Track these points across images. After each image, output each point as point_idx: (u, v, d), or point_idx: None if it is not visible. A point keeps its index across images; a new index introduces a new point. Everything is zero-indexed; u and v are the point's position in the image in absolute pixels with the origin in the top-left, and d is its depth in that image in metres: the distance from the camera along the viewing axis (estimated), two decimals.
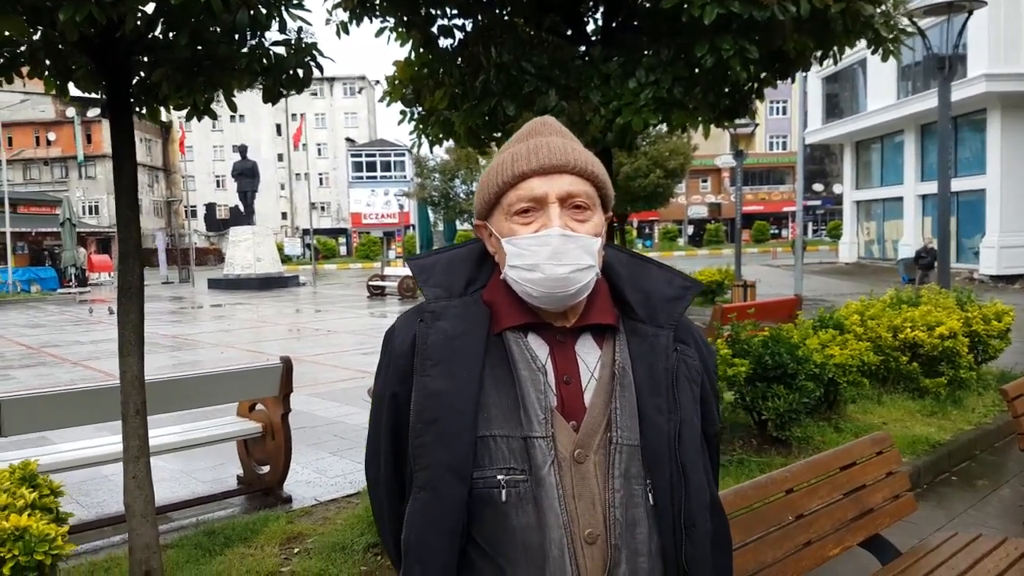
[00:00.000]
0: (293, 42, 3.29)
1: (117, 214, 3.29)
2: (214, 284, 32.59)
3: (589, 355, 1.36)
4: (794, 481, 3.06)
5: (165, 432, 5.26)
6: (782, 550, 2.85)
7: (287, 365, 5.36)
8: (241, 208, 35.23)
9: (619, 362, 1.35)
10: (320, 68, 3.41)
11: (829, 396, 6.61)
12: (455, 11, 5.02)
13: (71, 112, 54.90)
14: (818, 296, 19.68)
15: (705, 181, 65.85)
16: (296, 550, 4.27)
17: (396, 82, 5.24)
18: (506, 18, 5.06)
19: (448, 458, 1.26)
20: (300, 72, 3.39)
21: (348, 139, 70.15)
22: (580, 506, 1.26)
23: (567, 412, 1.31)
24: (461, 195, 30.43)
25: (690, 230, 65.82)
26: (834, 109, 34.82)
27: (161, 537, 4.35)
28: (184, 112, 3.61)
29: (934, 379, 7.41)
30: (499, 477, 1.26)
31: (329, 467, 6.19)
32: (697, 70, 4.23)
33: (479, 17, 5.04)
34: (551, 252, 1.29)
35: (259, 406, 5.58)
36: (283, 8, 2.97)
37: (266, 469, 5.58)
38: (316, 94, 69.89)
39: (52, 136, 61.97)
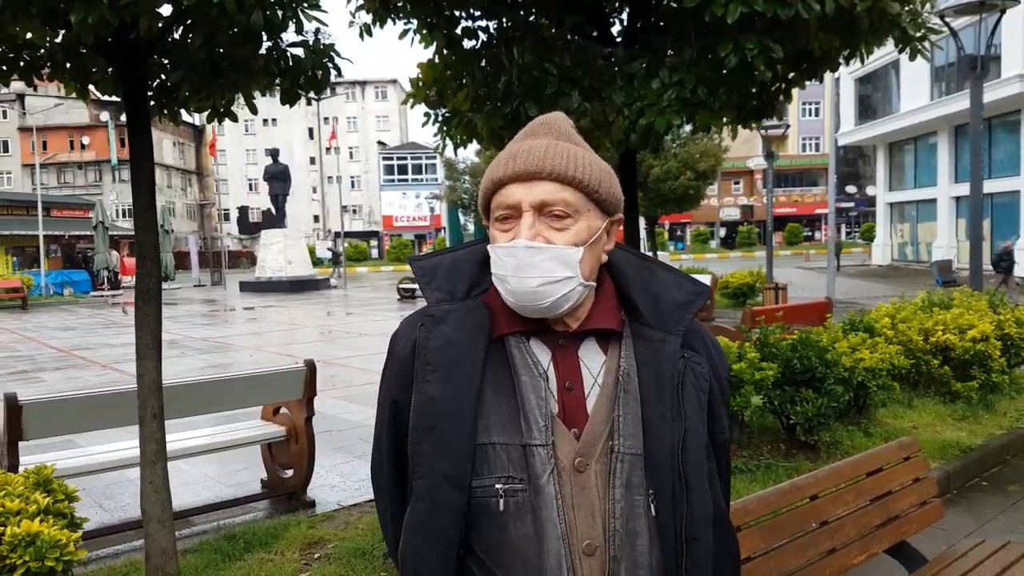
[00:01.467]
0: (311, 43, 3.29)
1: (135, 216, 3.30)
2: (246, 287, 32.96)
3: (593, 360, 1.32)
4: (818, 487, 3.01)
5: (189, 436, 5.29)
6: (805, 557, 2.81)
7: (311, 368, 5.36)
8: (273, 211, 35.61)
9: (624, 368, 1.30)
10: (338, 70, 3.41)
11: (859, 400, 6.53)
12: (478, 12, 5.00)
13: (105, 116, 55.97)
14: (850, 299, 19.39)
15: (737, 183, 65.34)
16: (316, 555, 4.25)
17: (420, 84, 5.23)
18: (530, 19, 5.03)
19: (446, 467, 1.24)
20: (318, 73, 3.38)
21: (380, 142, 70.70)
22: (579, 516, 1.23)
23: (568, 419, 1.27)
24: None
25: (722, 232, 65.27)
26: (867, 110, 34.36)
27: (182, 541, 4.39)
28: (206, 115, 3.64)
29: (966, 383, 7.30)
30: (497, 486, 1.23)
31: (354, 471, 6.19)
32: (722, 70, 4.16)
33: (503, 19, 5.02)
34: (516, 265, 1.25)
35: (283, 410, 5.59)
36: (299, 9, 2.97)
37: (290, 473, 5.58)
38: (348, 97, 70.60)
39: (86, 140, 63.21)
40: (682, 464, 1.26)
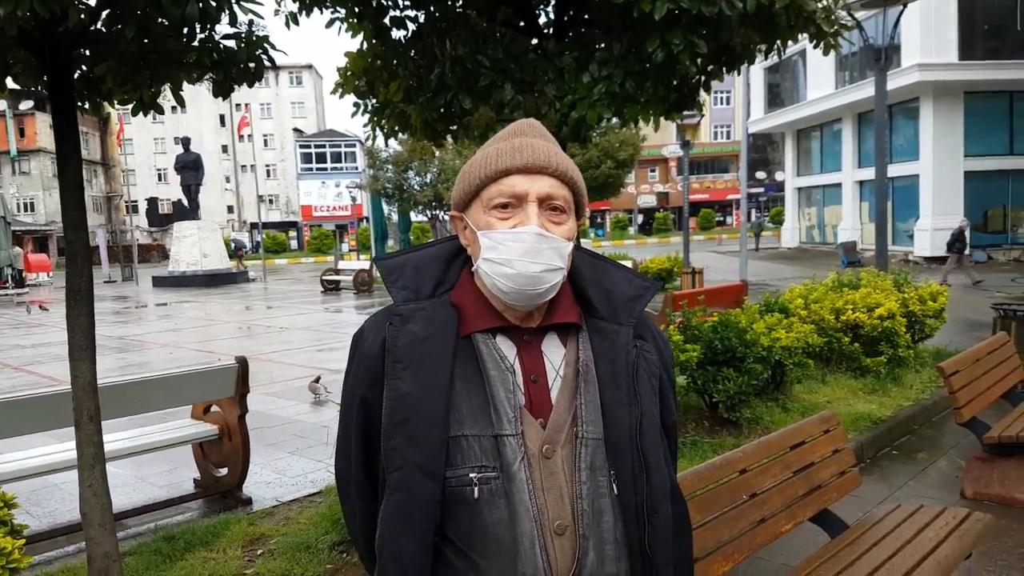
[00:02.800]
0: (244, 35, 3.25)
1: (63, 214, 3.20)
2: (159, 282, 31.74)
3: (554, 354, 1.40)
4: (747, 461, 3.17)
5: (117, 437, 5.12)
6: (738, 528, 2.96)
7: (243, 365, 5.27)
8: (185, 202, 34.44)
9: (583, 359, 1.40)
10: (272, 61, 3.38)
11: (776, 377, 6.84)
12: (407, 2, 5.00)
13: (1, 105, 52.88)
14: (762, 281, 20.13)
15: (654, 171, 66.63)
16: (259, 551, 4.22)
17: (348, 73, 5.18)
18: (459, 10, 5.06)
19: (420, 459, 1.29)
20: (252, 65, 3.35)
21: (296, 129, 69.01)
22: (549, 499, 1.31)
23: (535, 410, 1.35)
24: (415, 187, 30.23)
25: (640, 219, 66.57)
26: (776, 99, 35.55)
27: (119, 545, 4.28)
28: (129, 107, 3.55)
29: (874, 358, 7.73)
30: (472, 475, 1.29)
31: (288, 467, 6.13)
32: (648, 64, 4.29)
33: (431, 8, 5.03)
34: (525, 249, 1.33)
35: (214, 408, 5.50)
36: (233, 1, 2.93)
37: (224, 471, 5.49)
38: (261, 83, 68.52)
39: None
40: (640, 445, 1.36)
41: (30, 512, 5.19)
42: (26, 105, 54.27)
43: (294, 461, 6.28)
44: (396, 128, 5.10)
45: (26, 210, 59.54)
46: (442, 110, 4.55)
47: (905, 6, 10.78)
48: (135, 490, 5.73)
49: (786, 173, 37.05)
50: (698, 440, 5.80)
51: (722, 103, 66.83)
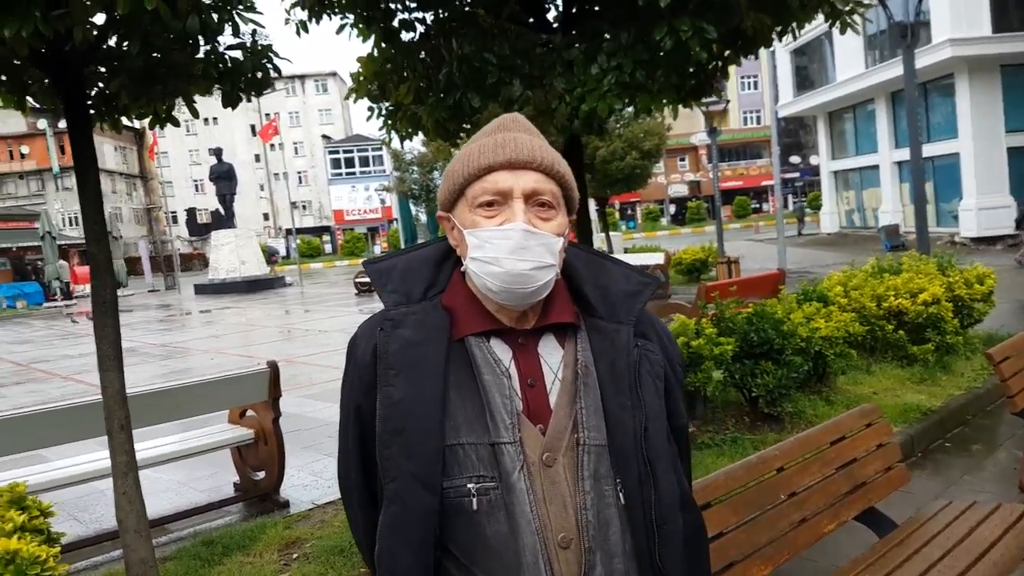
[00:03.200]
0: (248, 45, 3.24)
1: (85, 229, 3.25)
2: (200, 289, 32.40)
3: (552, 356, 1.35)
4: (784, 459, 3.02)
5: (157, 444, 5.24)
6: (776, 529, 2.82)
7: (274, 369, 5.32)
8: (221, 211, 34.98)
9: (582, 361, 1.34)
10: (278, 70, 3.39)
11: (818, 369, 6.59)
12: (414, 4, 4.97)
13: (43, 124, 54.15)
14: (802, 268, 19.78)
15: (683, 160, 65.93)
16: (295, 555, 4.26)
17: (361, 78, 5.20)
18: (466, 9, 5.01)
19: (415, 469, 1.25)
20: (258, 75, 3.35)
21: (324, 136, 69.72)
22: (552, 510, 1.25)
23: (533, 415, 1.29)
24: None
25: (672, 209, 65.88)
26: (804, 81, 34.87)
27: (160, 549, 4.36)
28: (147, 121, 3.57)
29: (921, 346, 7.37)
30: (469, 486, 1.25)
31: (325, 469, 6.16)
32: (659, 53, 4.20)
33: (439, 10, 4.99)
34: (513, 246, 1.27)
35: (250, 412, 5.54)
36: (234, 12, 2.92)
37: (262, 475, 5.56)
38: (288, 92, 69.40)
39: (25, 149, 61.09)
40: (646, 451, 1.30)
41: (78, 518, 5.34)
42: (65, 124, 55.55)
43: (330, 463, 6.30)
44: (409, 129, 5.08)
45: (71, 224, 60.94)
46: (452, 109, 4.52)
47: None
48: (178, 495, 5.83)
49: (821, 157, 36.34)
50: (739, 437, 5.64)
51: (750, 88, 65.95)
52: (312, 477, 5.96)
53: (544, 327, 1.35)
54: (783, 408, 5.91)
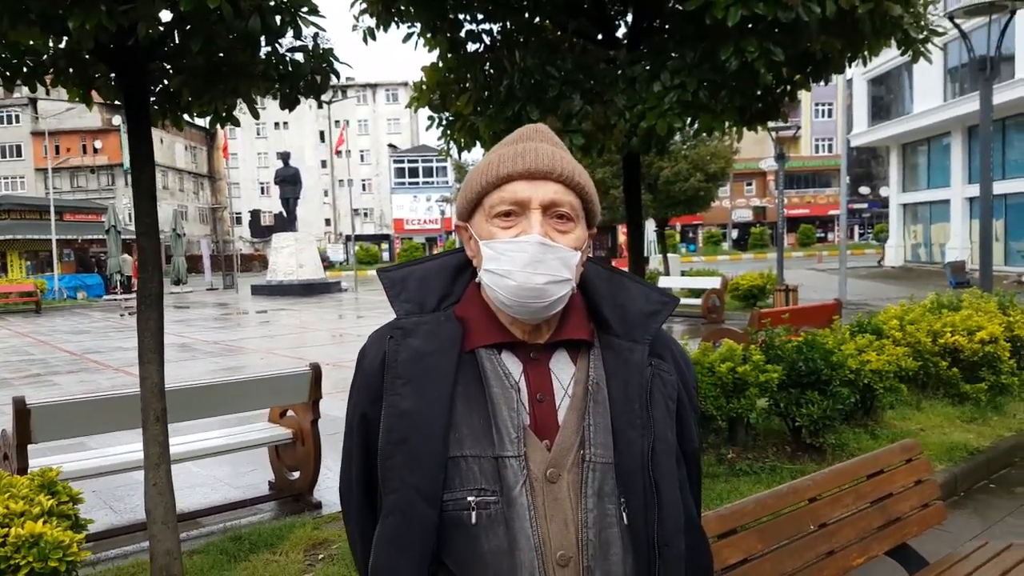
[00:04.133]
0: (310, 48, 3.32)
1: (136, 221, 3.34)
2: (257, 290, 33.10)
3: (563, 372, 1.32)
4: (817, 489, 3.02)
5: (198, 438, 5.34)
6: (803, 559, 2.81)
7: (316, 371, 5.38)
8: (284, 214, 35.77)
9: (593, 378, 1.31)
10: (337, 74, 3.43)
11: (865, 402, 6.49)
12: (482, 16, 5.01)
13: (117, 120, 56.20)
14: (862, 300, 19.28)
15: (750, 184, 65.10)
16: (320, 556, 4.27)
17: (424, 87, 5.24)
18: (534, 22, 5.04)
19: (417, 481, 1.23)
20: (318, 78, 3.41)
21: (391, 145, 70.89)
22: (552, 527, 1.23)
23: (540, 430, 1.27)
24: None
25: (735, 234, 65.02)
26: (880, 111, 34.18)
27: (188, 542, 4.42)
28: (207, 119, 3.68)
29: (974, 384, 7.25)
30: (469, 499, 1.22)
31: None
32: (724, 73, 4.15)
33: (506, 22, 5.03)
34: (528, 259, 1.25)
35: (290, 412, 5.63)
36: (296, 15, 2.99)
37: (297, 475, 5.61)
38: (359, 100, 70.86)
39: (99, 144, 63.34)
40: (652, 471, 1.26)
41: (112, 507, 5.44)
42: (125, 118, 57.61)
43: None
44: (467, 140, 5.12)
45: None
46: (510, 122, 4.53)
47: (1013, 13, 10.16)
48: (213, 490, 5.92)
49: (891, 188, 35.53)
50: (778, 466, 5.55)
51: (823, 115, 64.86)
52: None
53: (558, 342, 1.33)
54: (826, 439, 5.78)
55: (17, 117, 63.59)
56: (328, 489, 5.72)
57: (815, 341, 6.05)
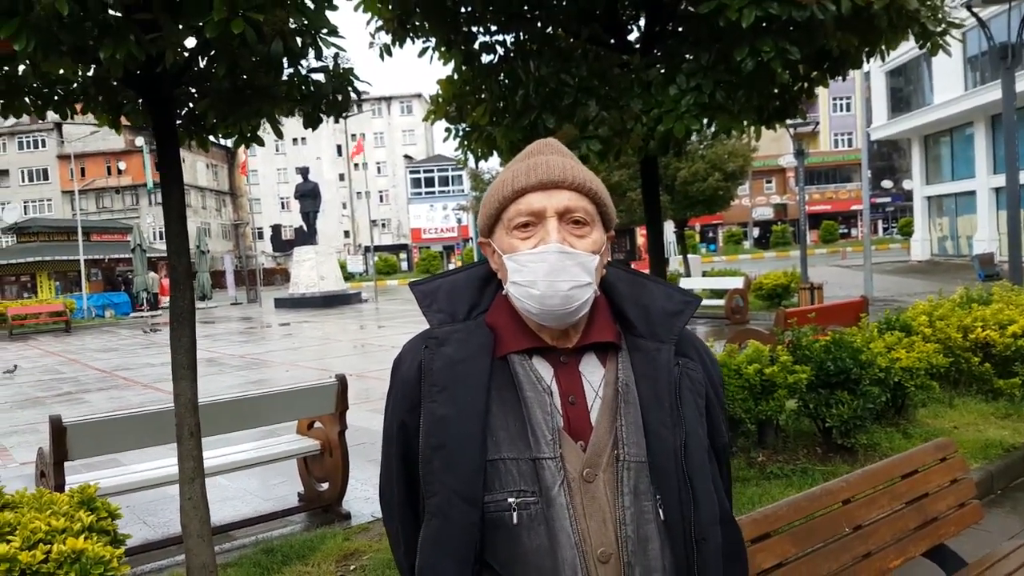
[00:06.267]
0: (331, 69, 3.36)
1: (167, 241, 3.40)
2: (280, 303, 33.41)
3: (593, 374, 1.37)
4: (851, 491, 2.98)
5: (227, 452, 5.41)
6: (839, 562, 2.78)
7: (342, 383, 5.44)
8: (304, 228, 36.06)
9: (622, 379, 1.36)
10: (358, 93, 3.48)
11: (896, 401, 6.42)
12: (495, 27, 5.05)
13: (140, 141, 56.96)
14: (889, 296, 19.07)
15: (769, 182, 64.70)
16: (352, 567, 4.31)
17: (440, 100, 5.29)
18: (547, 31, 5.07)
19: (457, 483, 1.28)
20: (339, 97, 3.46)
21: (406, 156, 71.32)
22: (591, 525, 1.27)
23: (574, 432, 1.31)
24: None
25: (755, 232, 64.54)
26: (900, 103, 33.80)
27: (223, 555, 4.48)
28: (232, 140, 3.74)
29: (1008, 380, 7.14)
30: (510, 500, 1.27)
31: None
32: (740, 73, 4.15)
33: (519, 32, 5.06)
34: (549, 268, 1.31)
35: (317, 424, 5.68)
36: (317, 37, 3.04)
37: (326, 486, 5.67)
38: (374, 113, 71.36)
39: (122, 165, 64.33)
40: (686, 468, 1.31)
41: (147, 522, 5.53)
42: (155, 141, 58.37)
43: None
44: (484, 150, 5.15)
45: (161, 238, 63.75)
46: (527, 130, 4.55)
47: None
48: (243, 503, 5.99)
49: (914, 181, 35.09)
50: (809, 468, 5.49)
51: (842, 110, 64.36)
52: (374, 490, 5.98)
53: (586, 345, 1.38)
54: (857, 440, 5.72)
55: (43, 142, 64.75)
56: (357, 500, 5.76)
57: (843, 340, 5.99)
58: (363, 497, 5.87)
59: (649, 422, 1.32)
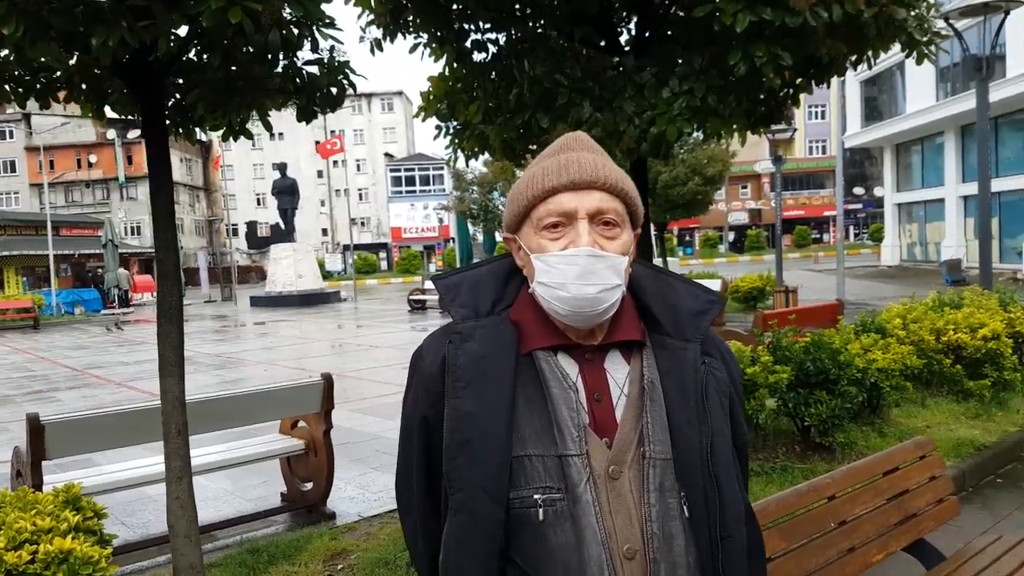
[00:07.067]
0: (326, 61, 3.34)
1: (155, 236, 3.35)
2: (256, 302, 33.08)
3: (618, 371, 1.36)
4: (836, 488, 3.05)
5: (208, 451, 5.33)
6: (824, 557, 2.84)
7: (328, 382, 5.40)
8: (282, 225, 35.77)
9: (647, 377, 1.35)
10: (353, 86, 3.45)
11: (872, 401, 6.56)
12: (488, 25, 5.04)
13: (111, 134, 56.10)
14: (860, 300, 19.34)
15: (745, 187, 65.26)
16: (340, 566, 4.28)
17: (431, 97, 5.26)
18: (539, 30, 5.07)
19: (482, 480, 1.27)
20: (333, 90, 3.44)
21: (387, 154, 70.97)
22: (617, 522, 1.26)
23: (599, 429, 1.31)
24: (500, 207, 30.50)
25: (731, 236, 65.21)
26: (873, 112, 34.37)
27: (206, 556, 4.41)
28: (220, 132, 3.69)
29: (978, 381, 7.35)
30: (536, 496, 1.26)
31: (372, 482, 6.22)
32: (731, 78, 4.18)
33: (512, 31, 5.06)
34: (579, 272, 1.29)
35: (301, 423, 5.64)
36: (315, 28, 3.02)
37: (310, 486, 5.61)
38: (354, 110, 70.89)
39: (93, 158, 63.25)
40: (712, 466, 1.31)
41: (125, 523, 5.43)
42: (134, 134, 57.52)
43: (378, 477, 6.37)
44: (476, 149, 5.14)
45: (133, 234, 62.95)
46: (521, 130, 4.56)
47: (1007, 13, 10.23)
48: (225, 503, 5.92)
49: (885, 188, 35.70)
50: (788, 466, 5.59)
51: (817, 117, 65.08)
52: (359, 490, 6.02)
53: (611, 343, 1.37)
54: (835, 438, 5.85)
55: (11, 133, 63.59)
56: (341, 499, 5.73)
57: (822, 341, 6.09)
58: (347, 497, 5.83)
59: (675, 420, 1.32)
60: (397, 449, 1.50)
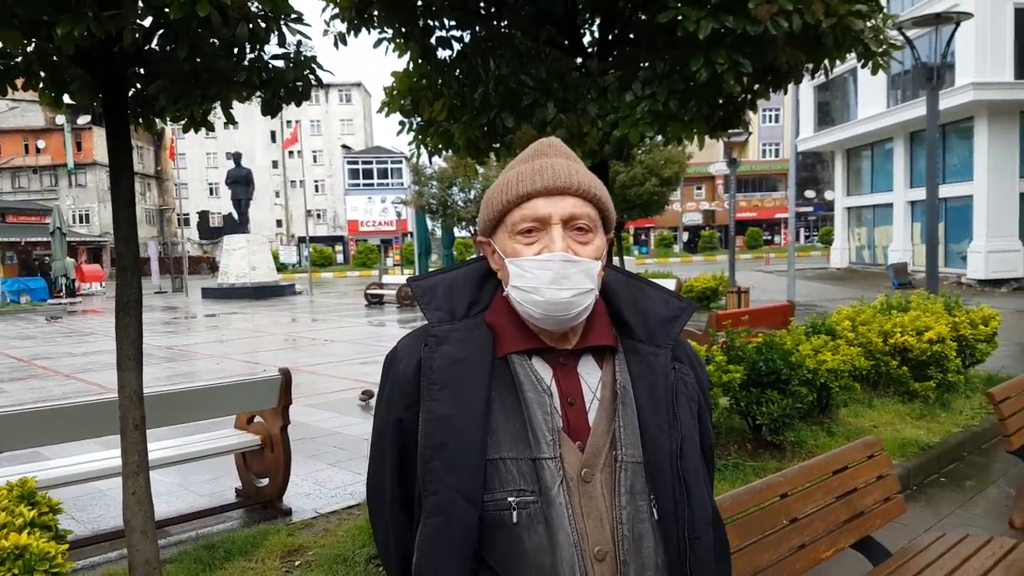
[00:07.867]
0: (292, 56, 3.33)
1: (115, 228, 3.30)
2: (208, 293, 32.46)
3: (591, 376, 1.39)
4: (788, 486, 3.12)
5: (162, 446, 5.22)
6: (777, 553, 2.92)
7: (286, 377, 5.35)
8: (235, 216, 35.17)
9: (620, 381, 1.38)
10: (319, 81, 3.45)
11: (822, 400, 6.73)
12: (453, 22, 5.05)
13: (61, 119, 54.48)
14: (810, 301, 19.80)
15: (700, 188, 66.17)
16: (297, 563, 4.26)
17: (395, 93, 5.24)
18: (504, 30, 5.09)
19: (457, 482, 1.28)
20: (299, 85, 3.43)
21: (344, 146, 70.17)
22: (589, 524, 1.28)
23: (572, 432, 1.33)
24: (459, 203, 30.43)
25: (685, 237, 66.11)
26: (826, 117, 35.11)
27: (160, 552, 4.36)
28: (181, 123, 3.64)
29: (923, 383, 7.57)
30: (510, 499, 1.28)
31: (328, 478, 6.19)
32: (692, 83, 4.26)
33: (477, 28, 5.07)
34: (553, 276, 1.31)
35: (257, 418, 5.58)
36: (282, 23, 3.00)
37: (265, 482, 5.55)
38: (312, 101, 69.62)
39: (41, 144, 61.37)
40: (681, 470, 1.34)
41: (75, 518, 5.32)
42: (84, 120, 55.96)
43: (334, 473, 6.34)
44: (440, 146, 5.15)
45: (81, 221, 61.32)
46: (485, 128, 4.57)
47: (958, 25, 10.57)
48: (178, 498, 5.83)
49: (836, 192, 36.49)
50: (740, 463, 5.72)
51: (771, 121, 66.26)
52: (315, 486, 5.99)
53: (584, 348, 1.39)
54: (785, 437, 5.99)
55: None
56: (297, 495, 5.69)
57: (774, 342, 6.22)
58: (304, 493, 5.79)
59: (646, 424, 1.34)
60: (369, 450, 1.51)
